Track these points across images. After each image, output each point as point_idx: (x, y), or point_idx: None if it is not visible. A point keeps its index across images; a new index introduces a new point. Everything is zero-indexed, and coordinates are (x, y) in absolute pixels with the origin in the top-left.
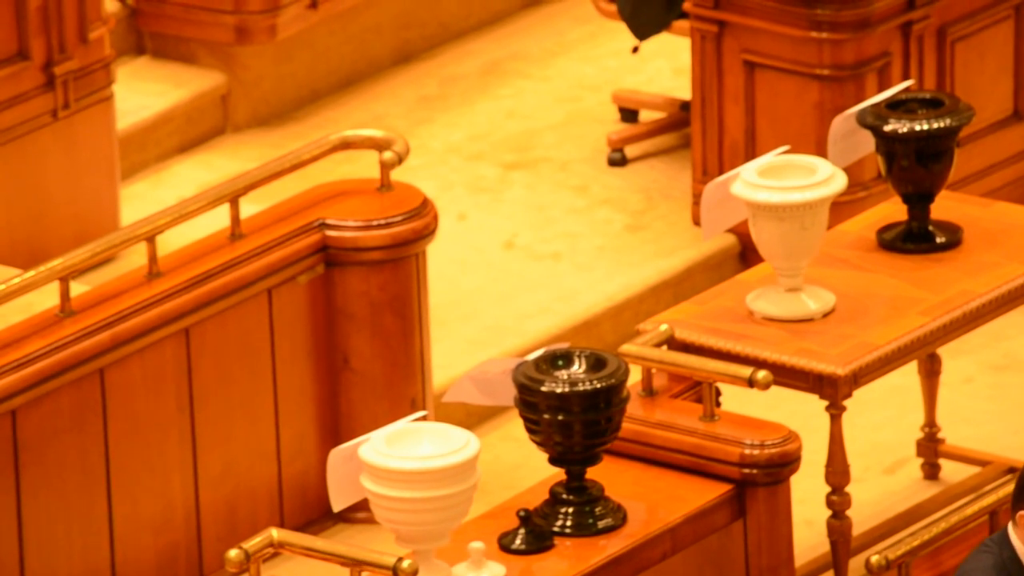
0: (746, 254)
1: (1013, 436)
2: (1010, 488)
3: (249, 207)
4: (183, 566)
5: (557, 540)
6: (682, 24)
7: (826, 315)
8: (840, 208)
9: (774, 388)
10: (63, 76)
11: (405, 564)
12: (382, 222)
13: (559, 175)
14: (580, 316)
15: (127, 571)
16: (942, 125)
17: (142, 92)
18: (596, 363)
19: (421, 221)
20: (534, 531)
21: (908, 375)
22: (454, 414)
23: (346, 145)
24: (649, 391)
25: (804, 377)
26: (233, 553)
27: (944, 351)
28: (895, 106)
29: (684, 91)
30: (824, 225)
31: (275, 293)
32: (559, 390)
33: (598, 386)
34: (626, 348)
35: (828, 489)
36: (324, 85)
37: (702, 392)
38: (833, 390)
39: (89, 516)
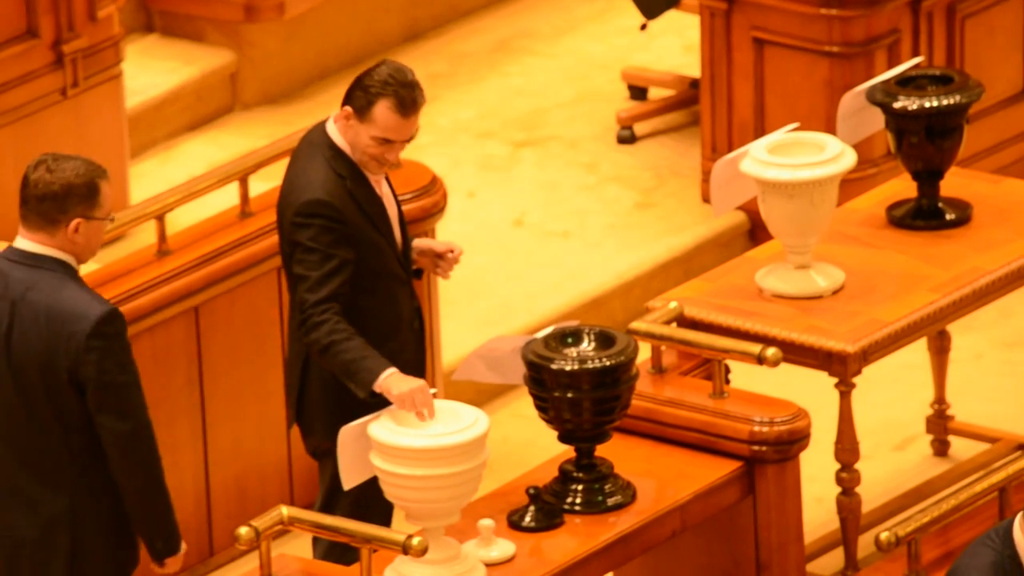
0: (755, 231)
1: (1023, 413)
2: (1020, 464)
3: (258, 185)
4: (193, 543)
5: (567, 517)
6: (691, 1)
7: (835, 292)
8: (850, 185)
9: (783, 365)
10: (72, 54)
11: (415, 541)
12: None
13: (568, 153)
14: (589, 294)
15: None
16: (952, 102)
17: (151, 70)
18: (605, 340)
19: (430, 199)
20: (544, 508)
21: (918, 352)
22: (464, 392)
23: None
24: (658, 368)
25: (813, 354)
26: (243, 530)
27: (954, 328)
28: (905, 83)
29: (693, 68)
30: (833, 202)
31: (284, 271)
32: (568, 368)
33: (607, 363)
34: (635, 325)
35: (838, 466)
36: (333, 63)
37: (711, 369)
38: (842, 367)
39: None
